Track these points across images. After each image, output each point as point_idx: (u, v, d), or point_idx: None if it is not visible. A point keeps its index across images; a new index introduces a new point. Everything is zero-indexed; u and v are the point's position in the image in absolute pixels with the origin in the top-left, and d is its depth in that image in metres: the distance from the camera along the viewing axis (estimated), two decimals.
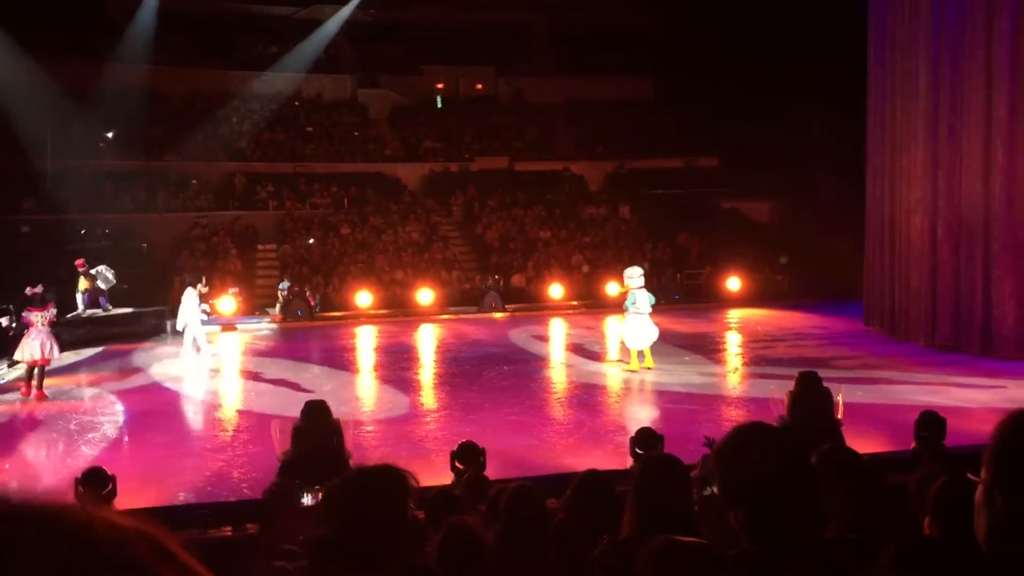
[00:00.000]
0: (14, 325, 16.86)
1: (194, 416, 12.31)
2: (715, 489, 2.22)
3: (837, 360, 15.27)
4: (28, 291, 13.53)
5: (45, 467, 9.70)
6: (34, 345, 12.95)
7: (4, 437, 11.62)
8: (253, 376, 15.58)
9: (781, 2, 24.23)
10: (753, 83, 25.49)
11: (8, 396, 14.01)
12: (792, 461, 2.05)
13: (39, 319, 13.06)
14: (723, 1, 26.58)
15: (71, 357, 17.34)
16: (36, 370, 13.20)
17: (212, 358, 16.74)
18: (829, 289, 22.65)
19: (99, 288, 19.62)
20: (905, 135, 17.32)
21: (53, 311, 13.50)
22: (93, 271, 19.51)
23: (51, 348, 13.10)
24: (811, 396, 8.18)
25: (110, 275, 19.72)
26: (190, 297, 16.58)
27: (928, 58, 16.31)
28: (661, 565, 2.07)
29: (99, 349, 18.03)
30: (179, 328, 16.78)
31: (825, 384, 8.40)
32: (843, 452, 3.60)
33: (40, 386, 13.24)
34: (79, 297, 19.42)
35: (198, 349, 16.67)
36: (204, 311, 16.93)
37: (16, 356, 13.70)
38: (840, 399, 8.72)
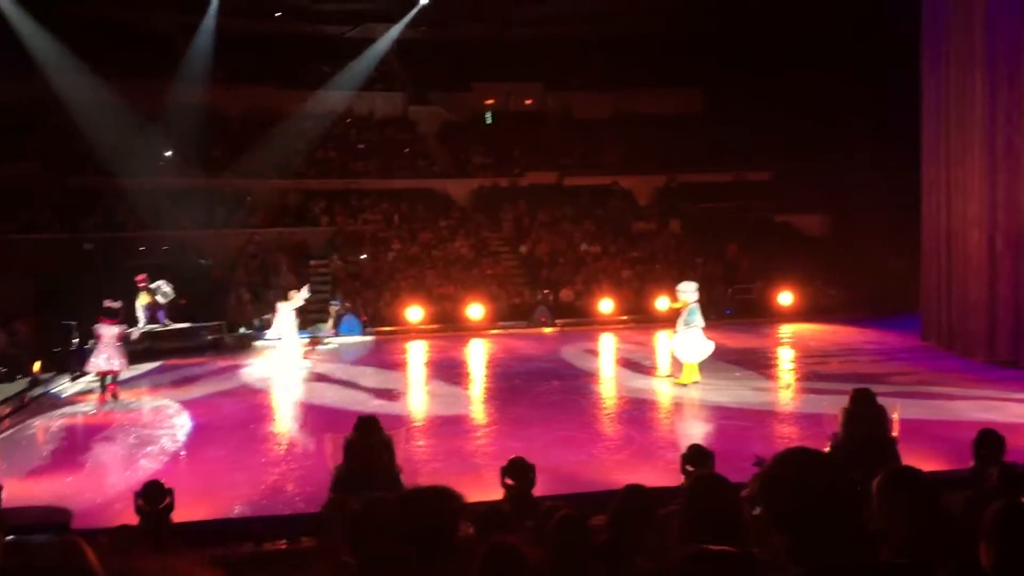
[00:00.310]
0: (76, 340, 17.35)
1: (250, 430, 12.50)
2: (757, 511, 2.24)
3: (892, 376, 15.01)
4: (106, 303, 14.61)
5: (105, 480, 9.92)
6: (102, 357, 14.18)
7: (66, 450, 11.94)
8: (306, 390, 15.79)
9: (834, 16, 24.02)
10: (804, 95, 25.27)
11: (70, 408, 14.40)
12: (831, 487, 2.06)
13: (109, 332, 14.23)
14: (774, 13, 26.39)
15: (129, 372, 17.76)
16: (105, 379, 14.38)
17: (303, 370, 17.16)
18: (884, 304, 22.30)
19: (158, 303, 20.05)
20: (961, 148, 17.05)
21: (124, 327, 14.85)
22: (152, 286, 19.96)
23: (119, 361, 14.31)
24: (866, 413, 8.08)
25: (169, 289, 20.15)
26: (286, 309, 17.13)
27: (984, 70, 16.07)
28: (687, 572, 2.09)
29: (157, 363, 18.42)
30: (273, 337, 17.48)
31: (880, 401, 8.30)
32: (904, 473, 3.56)
33: (103, 390, 14.43)
34: (139, 312, 19.88)
35: (288, 357, 17.40)
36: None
37: (87, 368, 14.75)
38: (896, 416, 8.59)
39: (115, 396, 14.49)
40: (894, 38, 19.61)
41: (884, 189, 23.34)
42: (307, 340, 19.51)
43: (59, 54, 24.67)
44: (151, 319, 20.08)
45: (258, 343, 21.17)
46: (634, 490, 3.88)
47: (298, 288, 18.05)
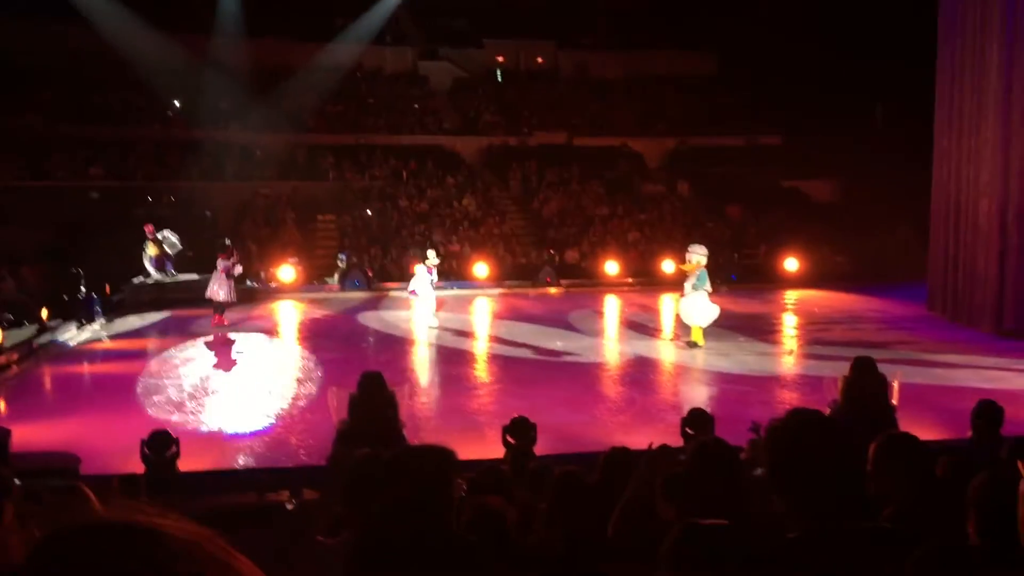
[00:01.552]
0: (83, 287, 17.48)
1: (254, 383, 12.60)
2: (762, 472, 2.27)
3: (895, 344, 15.04)
4: (221, 242, 18.17)
5: (112, 428, 10.04)
6: (212, 287, 16.90)
7: (73, 397, 12.07)
8: (311, 345, 15.89)
9: None
10: (818, 61, 25.03)
11: (77, 355, 14.52)
12: (837, 449, 2.09)
13: (219, 265, 16.85)
14: None
15: (136, 322, 17.89)
16: (218, 306, 17.02)
17: (432, 330, 16.81)
18: (890, 272, 22.25)
19: (166, 253, 20.13)
20: (974, 117, 16.89)
21: (232, 261, 17.00)
22: (160, 235, 20.03)
23: (223, 291, 16.86)
24: (866, 381, 8.10)
25: (175, 239, 20.23)
26: (421, 271, 17.17)
27: (1000, 39, 15.87)
28: (682, 548, 2.13)
29: (165, 314, 18.52)
30: (408, 295, 17.68)
31: (882, 369, 8.33)
32: (901, 438, 3.59)
33: (220, 312, 17.15)
34: (147, 261, 19.96)
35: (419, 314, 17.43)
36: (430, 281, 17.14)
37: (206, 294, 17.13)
38: (896, 384, 8.63)
39: (219, 324, 16.92)
40: (910, 4, 19.36)
41: (895, 157, 23.20)
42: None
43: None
44: (159, 268, 20.20)
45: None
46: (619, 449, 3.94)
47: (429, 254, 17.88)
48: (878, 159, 24.70)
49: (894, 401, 8.33)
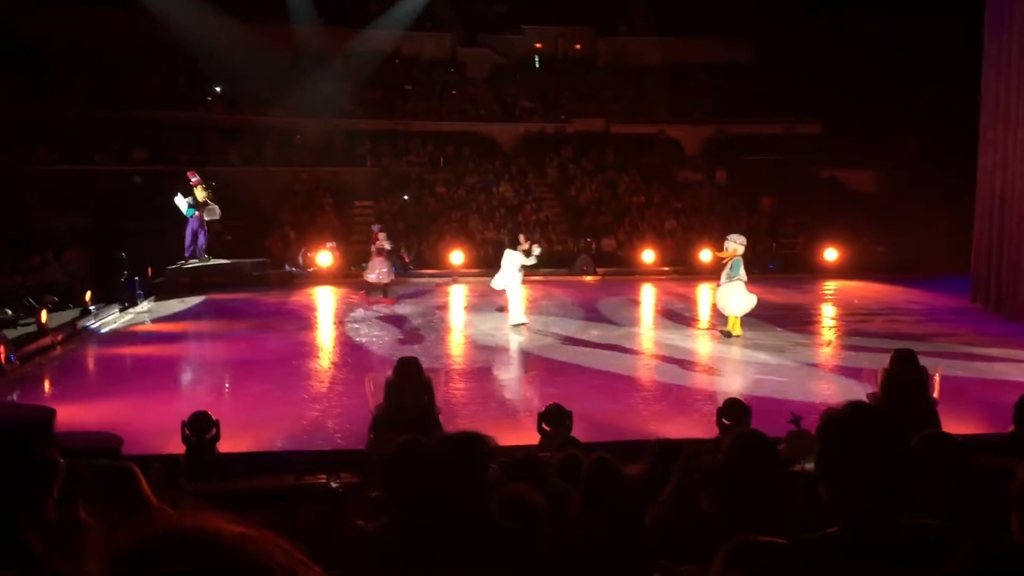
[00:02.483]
0: (125, 271, 17.74)
1: (293, 366, 12.73)
2: (806, 465, 2.26)
3: (936, 337, 14.83)
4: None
5: (153, 409, 10.20)
6: (371, 269, 18.07)
7: (116, 378, 12.29)
8: (349, 330, 16.02)
9: None
10: (860, 48, 24.66)
11: (119, 338, 14.76)
12: (890, 445, 2.08)
13: (375, 248, 17.97)
14: None
15: (177, 305, 18.14)
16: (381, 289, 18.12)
17: (520, 327, 15.43)
18: (932, 264, 21.92)
19: (203, 219, 20.29)
20: (1022, 109, 16.57)
21: (381, 239, 17.99)
22: (204, 200, 20.23)
23: (380, 271, 17.99)
24: (906, 374, 8.03)
25: (216, 208, 20.47)
26: (511, 258, 15.51)
27: None
28: (733, 567, 2.13)
29: (202, 297, 18.75)
30: (496, 287, 16.01)
31: (922, 362, 8.24)
32: (940, 437, 3.56)
33: (385, 295, 18.29)
34: (184, 206, 20.22)
35: (507, 310, 15.81)
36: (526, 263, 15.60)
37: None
38: (937, 377, 8.54)
39: (369, 301, 17.96)
40: None
41: (938, 147, 22.81)
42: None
43: None
44: (193, 238, 20.28)
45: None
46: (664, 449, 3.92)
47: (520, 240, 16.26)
48: (920, 148, 24.31)
49: (935, 395, 8.25)
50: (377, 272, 18.05)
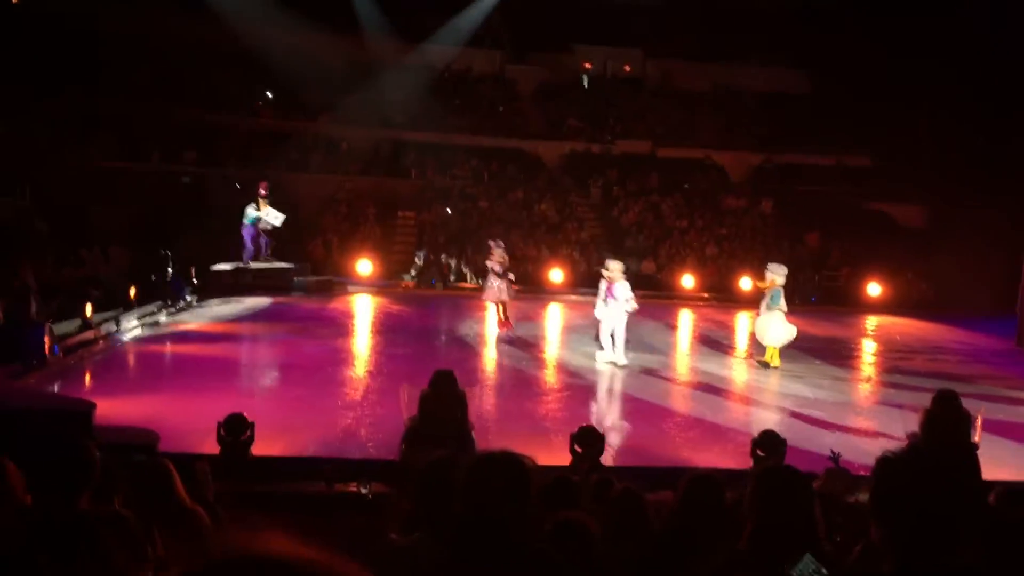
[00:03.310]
0: (170, 269, 17.98)
1: (328, 372, 12.82)
2: (860, 496, 2.26)
3: (979, 379, 14.55)
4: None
5: (190, 407, 10.32)
6: (488, 288, 15.96)
7: (155, 375, 12.46)
8: (386, 340, 16.10)
9: (956, 5, 23.08)
10: (916, 85, 24.39)
11: (161, 334, 14.96)
12: (942, 490, 2.08)
13: (491, 265, 15.83)
14: None
15: (219, 306, 18.35)
16: (500, 306, 16.05)
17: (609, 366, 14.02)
18: (978, 303, 21.54)
19: (265, 226, 20.46)
20: None
21: (497, 256, 15.84)
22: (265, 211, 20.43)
23: (497, 290, 15.74)
24: (947, 416, 7.86)
25: (279, 215, 20.64)
26: (623, 289, 13.93)
27: None
28: None
29: (247, 299, 18.93)
30: (598, 316, 14.46)
31: (964, 404, 8.08)
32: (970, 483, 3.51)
33: (505, 318, 16.13)
34: (249, 219, 20.25)
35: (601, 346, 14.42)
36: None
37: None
38: (979, 420, 8.36)
39: (504, 328, 16.10)
40: (1015, 32, 18.74)
41: (990, 185, 22.46)
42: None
43: None
44: (255, 243, 20.48)
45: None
46: (700, 481, 3.86)
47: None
48: (971, 185, 23.95)
49: (976, 438, 8.07)
50: (495, 289, 15.84)
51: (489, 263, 16.03)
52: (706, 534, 3.49)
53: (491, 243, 16.50)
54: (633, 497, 4.17)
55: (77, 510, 3.26)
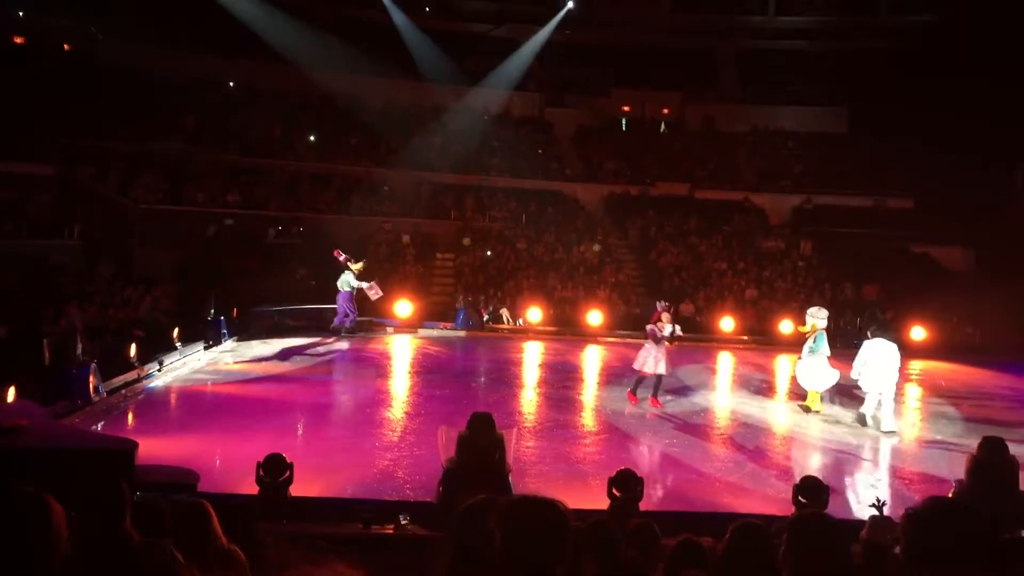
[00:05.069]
0: (212, 310, 18.21)
1: (367, 414, 12.86)
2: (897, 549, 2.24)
3: None
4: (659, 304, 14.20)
5: (230, 448, 10.40)
6: (643, 357, 13.77)
7: (197, 415, 12.57)
8: (423, 380, 16.13)
9: (993, 39, 22.95)
10: (954, 122, 24.19)
11: (203, 376, 15.14)
12: (974, 538, 2.05)
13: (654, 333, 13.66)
14: (928, 32, 25.39)
15: (259, 347, 18.54)
16: (649, 380, 13.89)
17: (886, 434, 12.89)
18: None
19: (358, 292, 20.09)
20: None
21: (657, 326, 13.67)
22: (365, 285, 20.09)
23: (655, 363, 13.62)
24: (995, 462, 7.72)
25: (378, 290, 20.43)
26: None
27: None
28: None
29: (283, 340, 19.10)
30: (860, 383, 13.15)
31: (1012, 451, 7.91)
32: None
33: (655, 395, 13.97)
34: (346, 286, 19.83)
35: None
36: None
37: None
38: None
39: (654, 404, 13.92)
40: None
41: None
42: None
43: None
44: (350, 308, 20.05)
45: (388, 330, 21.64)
46: (747, 530, 3.79)
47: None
48: (1016, 227, 23.61)
49: None
50: (650, 360, 13.75)
51: (650, 327, 13.86)
52: None
53: (659, 306, 14.10)
54: (693, 546, 4.14)
55: (123, 546, 3.31)
